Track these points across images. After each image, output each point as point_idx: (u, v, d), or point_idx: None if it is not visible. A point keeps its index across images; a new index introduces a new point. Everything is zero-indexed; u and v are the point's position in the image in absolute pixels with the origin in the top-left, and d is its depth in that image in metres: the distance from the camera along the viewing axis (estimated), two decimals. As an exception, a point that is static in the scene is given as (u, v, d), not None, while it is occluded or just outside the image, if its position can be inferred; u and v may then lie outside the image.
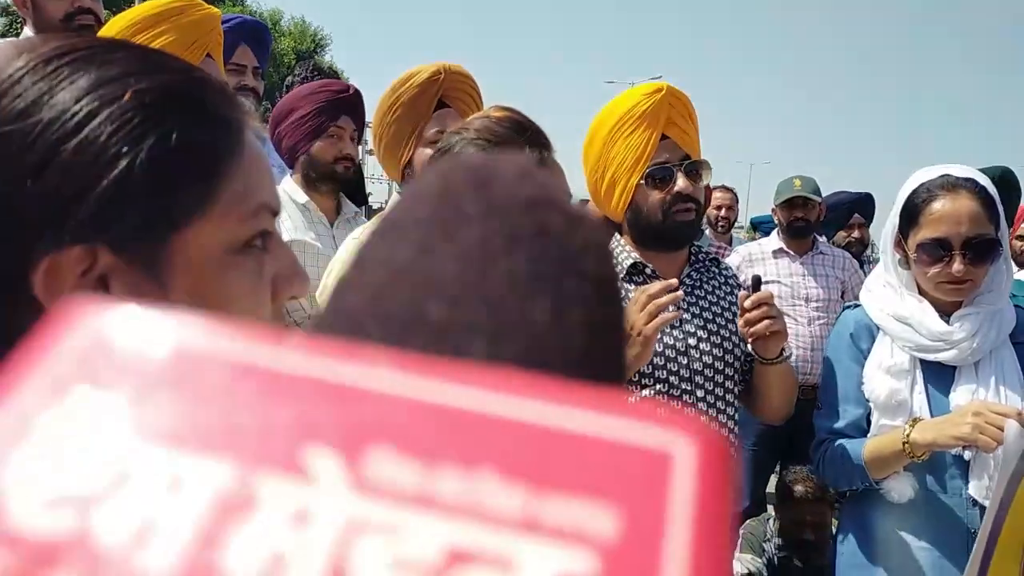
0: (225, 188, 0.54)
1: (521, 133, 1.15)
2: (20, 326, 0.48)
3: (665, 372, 1.64)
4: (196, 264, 0.53)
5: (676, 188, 1.63)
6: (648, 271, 1.70)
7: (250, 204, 0.55)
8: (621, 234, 1.76)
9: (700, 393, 1.67)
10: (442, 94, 1.94)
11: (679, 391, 1.65)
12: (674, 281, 1.54)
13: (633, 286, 1.68)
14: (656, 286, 1.50)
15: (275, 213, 0.59)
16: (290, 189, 2.28)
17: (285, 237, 2.13)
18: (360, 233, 1.89)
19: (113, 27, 1.65)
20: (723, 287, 1.79)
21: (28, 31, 2.31)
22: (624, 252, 1.72)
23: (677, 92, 1.68)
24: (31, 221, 0.48)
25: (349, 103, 2.28)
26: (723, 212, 5.00)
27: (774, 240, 3.79)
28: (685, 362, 1.66)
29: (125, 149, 0.49)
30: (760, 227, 5.11)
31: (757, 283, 1.62)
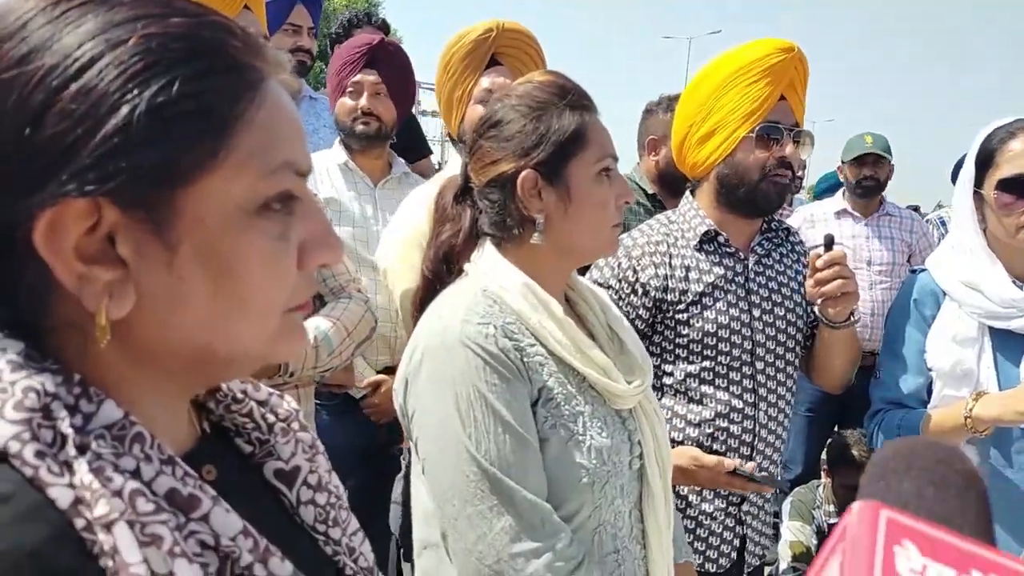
0: (238, 142, 0.51)
1: (563, 96, 1.14)
2: (22, 281, 0.48)
3: (728, 344, 1.62)
4: (207, 224, 0.50)
5: (782, 152, 1.60)
6: (721, 239, 1.66)
7: (269, 161, 0.52)
8: (693, 195, 1.71)
9: (760, 365, 1.66)
10: (496, 52, 1.92)
11: (739, 363, 1.63)
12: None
13: (703, 255, 1.64)
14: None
15: (302, 174, 0.56)
16: (335, 150, 2.29)
17: (323, 196, 2.16)
18: (419, 194, 1.89)
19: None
20: (791, 255, 1.76)
21: None
22: (697, 217, 1.68)
23: (803, 58, 1.62)
24: (30, 171, 0.46)
25: (369, 56, 2.20)
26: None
27: (837, 200, 3.67)
28: (748, 334, 1.64)
29: (127, 96, 0.47)
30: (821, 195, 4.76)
31: (830, 242, 1.58)
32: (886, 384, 1.69)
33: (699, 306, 1.61)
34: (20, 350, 0.49)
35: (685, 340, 1.61)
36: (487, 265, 1.16)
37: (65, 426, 0.47)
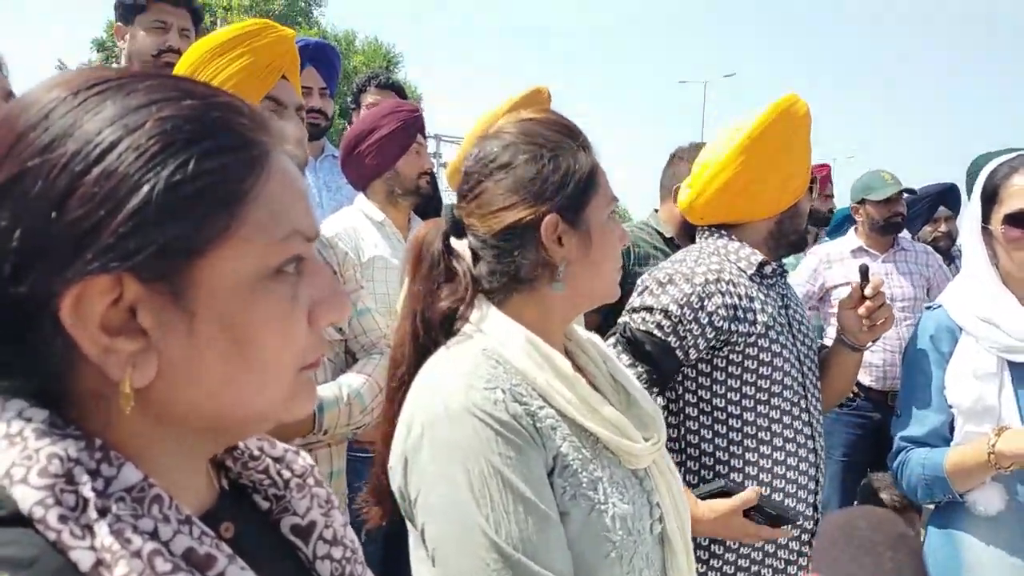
0: (249, 214, 0.54)
1: (574, 137, 1.09)
2: (54, 356, 0.51)
3: (791, 379, 1.64)
4: (223, 292, 0.53)
5: (810, 199, 1.77)
6: (767, 270, 1.70)
7: (279, 229, 0.55)
8: (731, 238, 1.72)
9: (810, 396, 1.68)
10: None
11: (797, 396, 1.65)
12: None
13: (755, 286, 1.65)
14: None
15: (310, 238, 0.59)
16: (366, 208, 2.35)
17: (367, 254, 2.22)
18: None
19: (192, 53, 1.73)
20: (790, 289, 1.82)
21: (123, 63, 2.48)
22: (745, 248, 1.70)
23: None
24: (56, 252, 0.49)
25: (422, 121, 2.39)
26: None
27: (852, 239, 3.66)
28: (798, 365, 1.67)
29: (145, 177, 0.49)
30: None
31: (865, 272, 1.69)
32: (907, 423, 1.68)
33: (767, 339, 1.61)
34: (44, 418, 0.51)
35: (754, 377, 1.60)
36: (490, 324, 1.06)
37: (87, 490, 0.49)
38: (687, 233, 2.55)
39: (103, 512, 0.49)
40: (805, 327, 1.75)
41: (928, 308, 1.77)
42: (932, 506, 1.76)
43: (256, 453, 0.69)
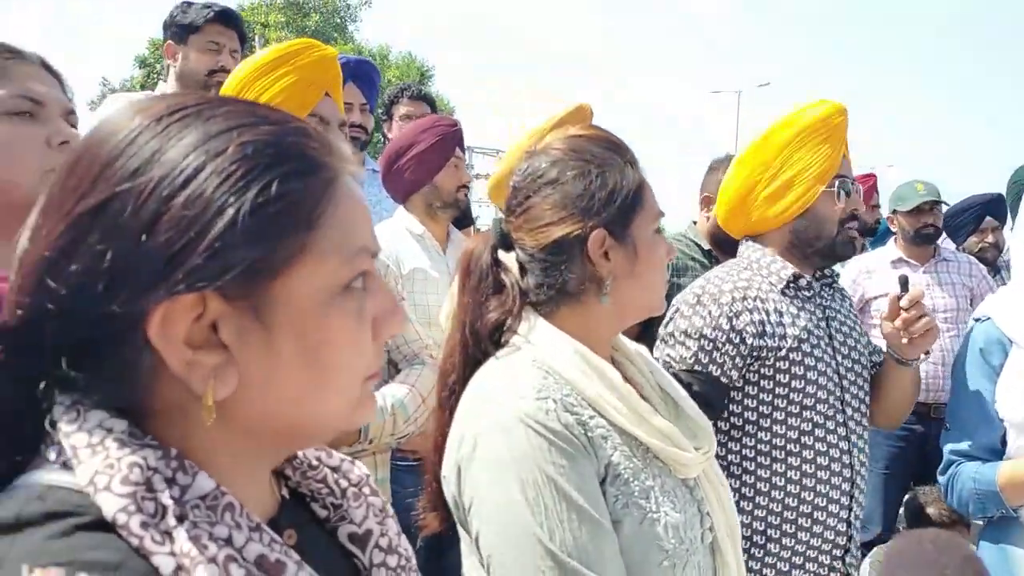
0: (324, 233, 0.56)
1: (621, 152, 1.11)
2: (138, 370, 0.54)
3: (825, 393, 1.61)
4: (299, 307, 0.55)
5: (855, 205, 1.69)
6: (803, 282, 1.67)
7: (349, 247, 0.58)
8: (764, 250, 1.72)
9: (849, 411, 1.65)
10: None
11: (833, 411, 1.62)
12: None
13: (787, 300, 1.64)
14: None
15: (374, 254, 0.62)
16: (406, 221, 2.38)
17: (408, 267, 2.25)
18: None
19: (239, 73, 1.78)
20: (844, 299, 1.79)
21: (170, 81, 2.55)
22: (776, 262, 1.68)
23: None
24: (146, 272, 0.51)
25: (460, 135, 2.43)
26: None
27: (891, 249, 3.61)
28: (838, 380, 1.64)
29: (230, 200, 0.52)
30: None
31: (905, 283, 1.64)
32: (957, 436, 1.65)
33: (799, 353, 1.60)
34: (124, 428, 0.54)
35: (786, 391, 1.59)
36: (538, 335, 1.07)
37: (165, 497, 0.51)
38: (718, 244, 2.55)
39: (181, 519, 0.51)
40: (853, 340, 1.71)
41: (977, 320, 1.74)
42: (980, 521, 1.72)
43: (314, 463, 0.71)
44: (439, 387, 1.15)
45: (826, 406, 1.60)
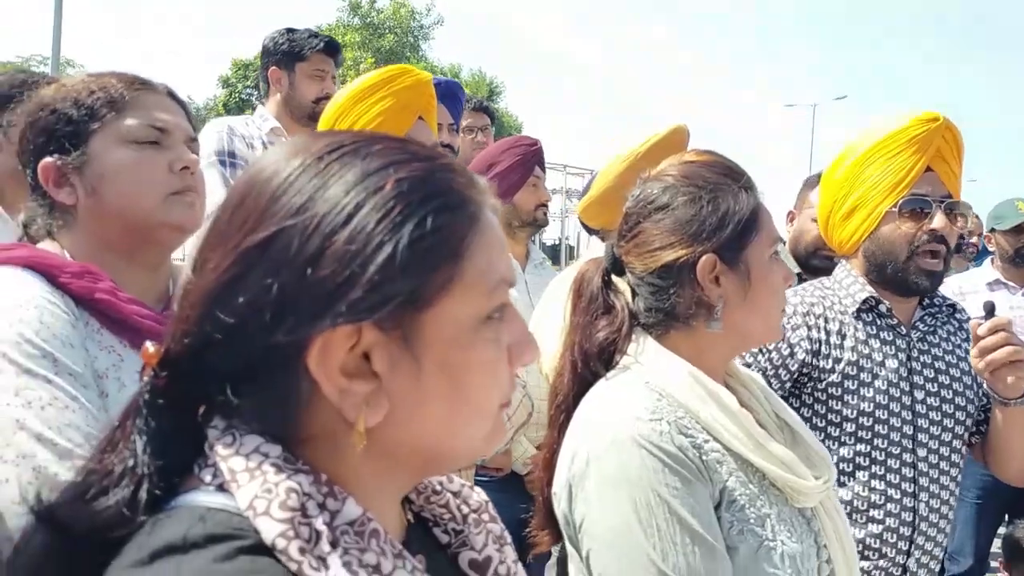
0: (469, 266, 0.58)
1: (736, 178, 1.10)
2: (294, 397, 0.56)
3: (886, 427, 1.54)
4: (446, 338, 0.57)
5: (932, 225, 1.52)
6: (883, 308, 1.60)
7: (491, 279, 0.60)
8: (850, 272, 1.66)
9: (922, 452, 1.56)
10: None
11: (899, 448, 1.54)
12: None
13: (861, 324, 1.59)
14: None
15: (511, 285, 0.63)
16: None
17: None
18: (568, 275, 1.94)
19: (338, 99, 1.85)
20: (959, 332, 1.67)
21: (271, 104, 2.66)
22: (857, 284, 1.62)
23: (952, 126, 1.57)
24: (310, 303, 0.53)
25: (540, 154, 2.48)
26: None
27: (988, 270, 3.45)
28: (910, 417, 1.55)
29: (388, 236, 0.54)
30: None
31: (991, 310, 1.49)
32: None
33: (855, 381, 1.53)
34: (279, 453, 0.56)
35: (838, 418, 1.54)
36: (649, 357, 1.08)
37: (320, 523, 0.53)
38: (798, 259, 2.50)
39: (334, 545, 0.53)
40: (949, 376, 1.59)
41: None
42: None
43: (438, 488, 0.73)
44: (549, 405, 1.16)
45: (885, 441, 1.52)
